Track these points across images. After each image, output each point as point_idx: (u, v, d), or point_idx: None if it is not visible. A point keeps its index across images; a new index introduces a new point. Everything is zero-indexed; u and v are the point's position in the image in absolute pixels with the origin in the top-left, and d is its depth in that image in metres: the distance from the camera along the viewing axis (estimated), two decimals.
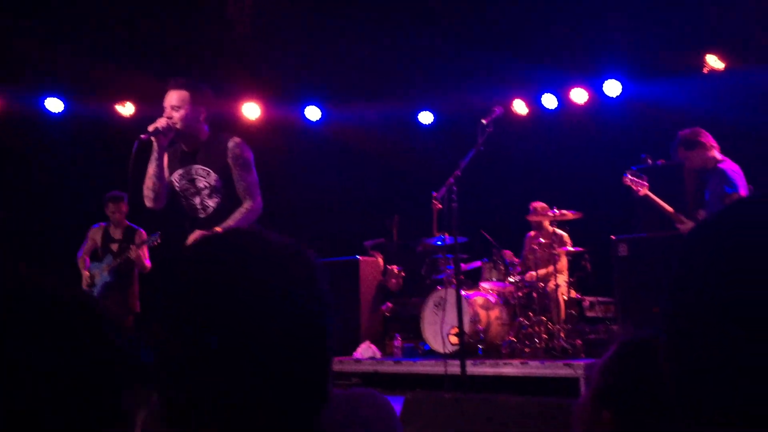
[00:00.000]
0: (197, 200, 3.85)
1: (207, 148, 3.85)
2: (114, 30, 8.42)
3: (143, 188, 3.86)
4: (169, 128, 3.72)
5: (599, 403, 1.20)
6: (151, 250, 6.85)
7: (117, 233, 7.02)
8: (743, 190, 5.36)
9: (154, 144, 3.74)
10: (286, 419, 0.91)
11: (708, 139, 5.53)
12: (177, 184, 3.88)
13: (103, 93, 8.84)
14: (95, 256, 7.00)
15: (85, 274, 6.87)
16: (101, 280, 6.82)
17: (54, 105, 8.77)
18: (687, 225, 5.54)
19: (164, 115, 3.79)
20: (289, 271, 0.95)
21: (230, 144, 3.82)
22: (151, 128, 3.69)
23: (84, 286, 6.91)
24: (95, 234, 7.07)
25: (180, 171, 3.86)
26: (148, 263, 6.93)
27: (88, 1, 8.12)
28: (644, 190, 5.74)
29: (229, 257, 0.94)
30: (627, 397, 1.16)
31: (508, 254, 7.71)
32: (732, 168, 5.43)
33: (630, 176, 5.75)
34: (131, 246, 6.78)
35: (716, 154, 5.54)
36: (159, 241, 6.62)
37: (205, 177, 3.83)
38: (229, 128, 4.38)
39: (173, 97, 3.83)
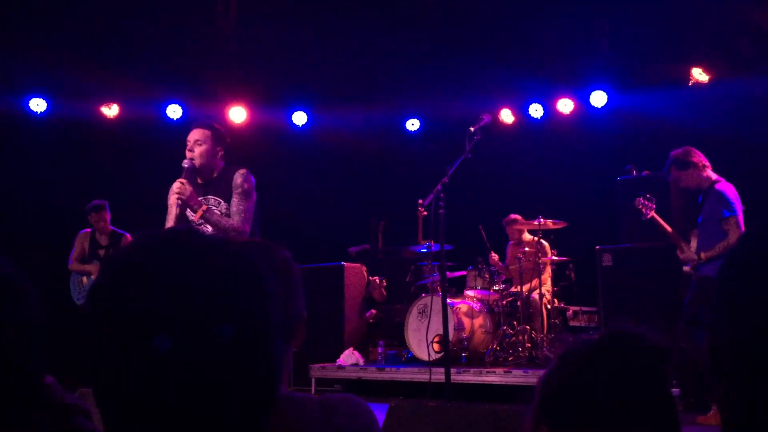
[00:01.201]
0: (208, 228, 4.23)
1: (219, 181, 4.35)
2: (100, 31, 8.36)
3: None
4: (193, 167, 4.30)
5: (538, 416, 1.17)
6: None
7: (103, 239, 7.23)
8: (740, 212, 5.35)
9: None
10: (231, 423, 0.88)
11: (700, 158, 5.53)
12: (203, 219, 4.26)
13: (88, 94, 8.77)
14: (82, 262, 7.22)
15: (86, 268, 7.13)
16: (89, 283, 6.89)
17: (38, 105, 8.69)
18: (687, 254, 5.55)
19: (187, 148, 4.35)
20: (224, 269, 0.92)
21: (236, 174, 4.32)
22: (185, 163, 4.31)
23: (78, 288, 7.20)
24: (83, 240, 7.26)
25: (205, 208, 4.26)
26: None
27: (74, 1, 8.06)
28: (651, 213, 5.77)
29: (164, 255, 0.91)
30: (563, 410, 1.13)
31: (494, 257, 7.73)
32: (728, 189, 5.43)
33: (642, 200, 5.79)
34: None
35: (710, 173, 5.54)
36: None
37: (216, 206, 4.30)
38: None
39: (197, 134, 4.37)
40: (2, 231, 7.90)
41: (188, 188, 4.19)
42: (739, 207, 5.39)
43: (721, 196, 5.34)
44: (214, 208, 4.28)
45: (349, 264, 8.11)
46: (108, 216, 7.24)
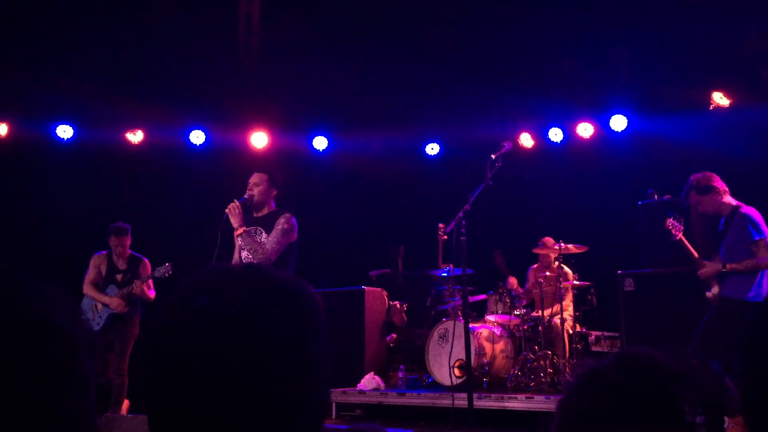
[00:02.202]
0: (246, 251, 5.16)
1: (267, 218, 5.28)
2: (125, 59, 8.54)
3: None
4: (251, 199, 5.27)
5: None
6: (159, 280, 6.81)
7: (121, 263, 6.95)
8: (767, 234, 5.33)
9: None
10: None
11: (720, 183, 5.54)
12: (240, 239, 5.18)
13: (113, 120, 8.94)
14: (97, 286, 6.89)
15: (104, 299, 6.77)
16: (105, 311, 6.76)
17: (64, 132, 8.86)
18: (709, 266, 5.51)
19: (247, 189, 5.31)
20: (287, 306, 0.97)
21: (281, 216, 5.24)
22: (246, 195, 5.28)
23: (93, 314, 6.89)
24: (100, 263, 6.96)
25: (244, 229, 5.16)
26: (152, 293, 6.90)
27: (101, 29, 8.25)
28: (680, 235, 5.76)
29: (230, 291, 0.96)
30: None
31: (513, 281, 7.70)
32: (754, 213, 5.42)
33: (672, 220, 5.78)
34: (135, 281, 6.74)
35: (730, 198, 5.54)
36: (170, 272, 6.61)
37: (259, 236, 5.19)
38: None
39: (256, 177, 5.35)
40: (30, 255, 8.03)
41: (237, 208, 5.13)
42: (766, 230, 5.37)
43: (751, 219, 5.33)
44: (255, 235, 5.16)
45: (369, 288, 8.13)
46: (128, 241, 6.95)
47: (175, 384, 0.91)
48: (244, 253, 5.16)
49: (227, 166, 9.32)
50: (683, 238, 5.73)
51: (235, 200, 5.17)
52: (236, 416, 0.90)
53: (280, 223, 5.18)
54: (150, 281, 6.86)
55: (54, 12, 8.00)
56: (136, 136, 9.06)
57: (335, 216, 9.48)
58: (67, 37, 8.19)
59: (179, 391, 0.91)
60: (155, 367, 0.93)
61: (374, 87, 9.03)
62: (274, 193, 5.36)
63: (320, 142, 9.72)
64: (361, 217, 9.61)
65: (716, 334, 5.25)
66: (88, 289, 6.87)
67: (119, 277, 6.87)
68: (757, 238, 5.28)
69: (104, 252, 6.99)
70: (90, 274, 6.91)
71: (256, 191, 5.28)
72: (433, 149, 9.85)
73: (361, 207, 9.68)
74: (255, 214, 5.31)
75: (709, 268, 5.49)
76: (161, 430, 0.92)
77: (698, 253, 5.72)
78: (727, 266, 5.33)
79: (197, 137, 9.23)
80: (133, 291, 6.71)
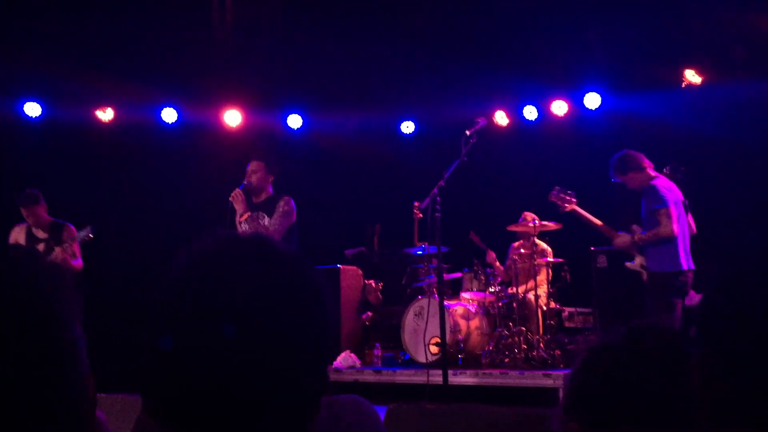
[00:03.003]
0: (246, 227, 5.54)
1: (267, 203, 5.67)
2: (95, 35, 8.36)
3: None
4: (250, 185, 5.67)
5: (567, 414, 1.19)
6: (83, 246, 6.32)
7: (41, 232, 6.36)
8: (672, 205, 5.52)
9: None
10: (280, 425, 0.90)
11: (639, 160, 5.73)
12: (245, 223, 5.58)
13: (83, 98, 8.76)
14: None
15: None
16: None
17: (32, 109, 8.67)
18: (621, 238, 5.71)
19: (246, 176, 5.71)
20: (295, 276, 0.95)
21: (280, 200, 5.65)
22: (245, 182, 5.69)
23: None
24: (18, 235, 6.38)
25: (249, 214, 5.62)
26: (77, 263, 6.30)
27: (70, 4, 8.06)
28: (570, 206, 5.96)
29: (242, 259, 0.94)
30: (593, 407, 1.15)
31: (492, 255, 7.73)
32: (663, 184, 5.62)
33: (556, 193, 5.97)
34: (56, 248, 6.14)
35: (650, 172, 5.73)
36: (92, 235, 6.20)
37: (262, 220, 5.60)
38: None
39: (253, 164, 5.75)
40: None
41: (240, 195, 5.55)
42: (672, 200, 5.54)
43: (655, 191, 5.54)
44: (258, 219, 5.57)
45: (345, 267, 8.12)
46: (41, 209, 6.34)
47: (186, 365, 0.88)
48: (246, 226, 5.59)
49: (200, 144, 9.21)
50: (577, 208, 5.90)
51: (237, 188, 5.59)
52: (248, 394, 0.88)
53: (281, 206, 5.59)
54: (77, 249, 6.31)
55: None
56: (106, 114, 8.90)
57: (310, 195, 9.40)
58: (35, 12, 7.98)
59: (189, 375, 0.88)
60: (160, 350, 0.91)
61: (349, 65, 8.95)
62: (271, 179, 5.77)
63: (294, 121, 9.64)
64: (336, 196, 9.57)
65: (663, 308, 5.42)
66: None
67: (41, 246, 6.25)
68: (656, 207, 5.48)
69: (24, 224, 6.44)
70: None
71: (254, 178, 5.68)
72: (408, 127, 9.82)
73: (336, 185, 9.63)
74: (254, 200, 5.71)
75: (621, 238, 5.71)
76: (173, 405, 0.90)
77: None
78: (636, 237, 5.54)
79: (169, 115, 9.10)
80: (54, 259, 5.99)
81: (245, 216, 5.57)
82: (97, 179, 8.63)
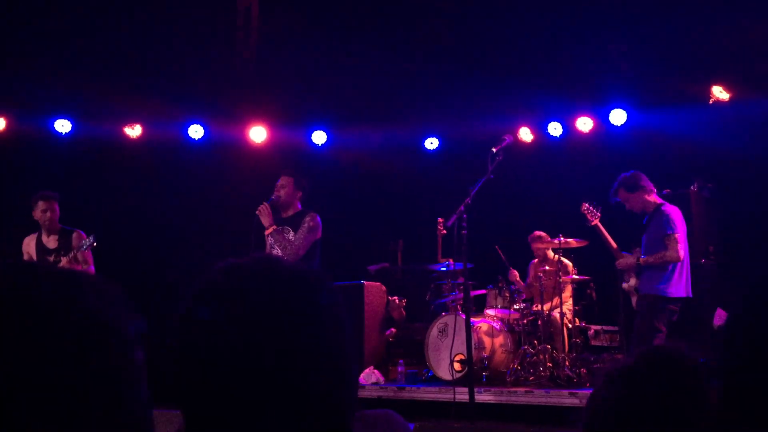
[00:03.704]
0: (277, 249, 5.61)
1: (294, 218, 5.73)
2: (124, 54, 8.51)
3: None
4: (278, 200, 5.75)
5: None
6: (94, 255, 6.20)
7: (51, 242, 6.21)
8: (682, 232, 5.64)
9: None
10: None
11: (648, 183, 5.86)
12: (271, 237, 5.66)
13: (112, 115, 8.91)
14: None
15: None
16: None
17: (62, 126, 8.83)
18: (626, 259, 5.84)
19: (275, 190, 5.79)
20: (313, 297, 0.97)
21: (306, 216, 5.69)
22: (273, 196, 5.76)
23: None
24: (27, 246, 6.23)
25: (275, 227, 5.68)
26: (90, 269, 6.14)
27: (99, 24, 8.22)
28: (596, 221, 6.06)
29: (254, 286, 0.96)
30: (610, 427, 1.16)
31: (514, 274, 7.71)
32: (673, 211, 5.73)
33: (588, 206, 6.08)
34: (62, 258, 5.98)
35: (655, 197, 5.86)
36: (95, 243, 6.04)
37: (287, 234, 5.66)
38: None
39: (282, 179, 5.82)
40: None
41: (267, 209, 5.61)
42: (681, 227, 5.66)
43: (668, 216, 5.65)
44: (284, 233, 5.64)
45: (369, 282, 8.12)
46: (57, 210, 6.21)
47: (202, 385, 0.91)
48: (275, 251, 5.60)
49: (226, 160, 9.31)
50: (599, 225, 5.98)
51: (264, 202, 5.64)
52: (264, 413, 0.89)
53: (306, 222, 5.65)
54: (89, 257, 6.19)
55: (52, 6, 7.97)
56: (134, 131, 9.04)
57: (334, 210, 9.45)
58: (65, 32, 8.15)
59: (207, 392, 0.90)
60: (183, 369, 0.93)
61: (373, 81, 9.00)
62: (299, 194, 5.83)
63: (319, 137, 9.70)
64: (360, 212, 9.59)
65: (646, 332, 5.45)
66: None
67: (51, 257, 6.10)
68: (669, 232, 5.58)
69: (34, 234, 6.30)
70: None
71: (282, 193, 5.75)
72: (432, 143, 9.83)
73: (360, 201, 9.66)
74: (282, 215, 5.79)
75: (625, 259, 5.79)
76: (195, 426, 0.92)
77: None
78: (641, 259, 5.58)
79: (196, 132, 9.21)
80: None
81: (271, 230, 5.63)
82: (125, 194, 8.75)
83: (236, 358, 0.90)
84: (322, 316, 0.97)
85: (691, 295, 5.66)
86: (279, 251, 5.58)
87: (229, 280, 0.97)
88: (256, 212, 5.65)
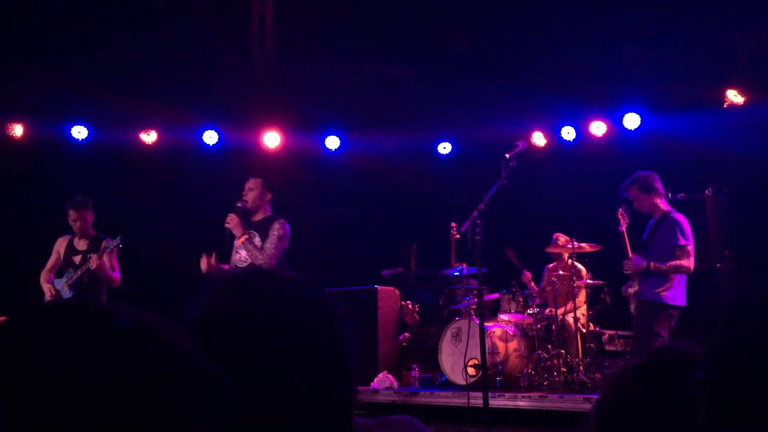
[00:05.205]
0: (243, 253, 5.43)
1: (263, 223, 5.47)
2: (139, 60, 8.60)
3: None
4: (245, 207, 5.48)
5: None
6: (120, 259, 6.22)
7: (81, 244, 6.21)
8: (692, 243, 5.61)
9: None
10: None
11: (661, 187, 5.81)
12: (242, 247, 5.41)
13: (128, 121, 9.00)
14: (60, 271, 6.23)
15: (46, 287, 6.18)
16: (63, 296, 6.02)
17: (79, 132, 8.93)
18: (636, 264, 5.74)
19: (243, 193, 5.51)
20: (305, 305, 1.00)
21: (275, 223, 5.44)
22: (240, 204, 5.52)
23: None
24: (59, 246, 6.29)
25: (246, 237, 5.40)
26: (115, 275, 6.16)
27: (114, 32, 8.31)
28: (623, 228, 6.03)
29: (250, 298, 0.99)
30: (617, 428, 1.17)
31: (527, 275, 7.69)
32: (684, 220, 5.68)
33: (623, 211, 6.05)
34: (91, 256, 5.95)
35: (664, 203, 5.81)
36: (120, 245, 6.02)
37: (254, 238, 5.40)
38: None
39: (251, 183, 5.55)
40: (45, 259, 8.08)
41: (235, 220, 5.33)
42: (692, 239, 5.64)
43: (680, 225, 5.61)
44: (253, 239, 5.38)
45: (382, 287, 8.14)
46: (90, 217, 6.23)
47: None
48: (243, 252, 5.42)
49: (240, 166, 9.36)
50: (624, 232, 5.93)
51: (230, 214, 5.37)
52: (265, 416, 0.92)
53: (275, 229, 5.40)
54: (115, 263, 6.20)
55: (68, 13, 8.06)
56: (149, 137, 9.12)
57: (347, 215, 9.50)
58: (81, 38, 8.25)
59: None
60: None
61: (386, 86, 9.03)
62: (269, 196, 5.55)
63: (332, 142, 9.74)
64: (373, 217, 9.62)
65: (645, 338, 5.42)
66: (42, 277, 6.25)
67: (77, 258, 6.12)
68: (682, 243, 5.55)
69: (68, 236, 6.32)
70: (50, 259, 6.27)
71: (250, 196, 5.50)
72: (445, 148, 9.84)
73: (373, 206, 9.69)
74: (251, 218, 5.52)
75: (636, 263, 5.71)
76: None
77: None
78: (652, 265, 5.54)
79: (210, 137, 9.28)
80: (90, 266, 5.90)
81: (242, 239, 5.36)
82: (140, 199, 8.83)
83: (235, 358, 0.93)
84: (312, 308, 0.99)
85: (684, 304, 5.66)
86: (246, 255, 5.38)
87: (227, 290, 1.01)
88: (225, 225, 5.37)
